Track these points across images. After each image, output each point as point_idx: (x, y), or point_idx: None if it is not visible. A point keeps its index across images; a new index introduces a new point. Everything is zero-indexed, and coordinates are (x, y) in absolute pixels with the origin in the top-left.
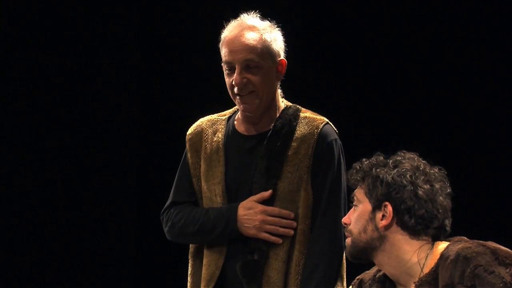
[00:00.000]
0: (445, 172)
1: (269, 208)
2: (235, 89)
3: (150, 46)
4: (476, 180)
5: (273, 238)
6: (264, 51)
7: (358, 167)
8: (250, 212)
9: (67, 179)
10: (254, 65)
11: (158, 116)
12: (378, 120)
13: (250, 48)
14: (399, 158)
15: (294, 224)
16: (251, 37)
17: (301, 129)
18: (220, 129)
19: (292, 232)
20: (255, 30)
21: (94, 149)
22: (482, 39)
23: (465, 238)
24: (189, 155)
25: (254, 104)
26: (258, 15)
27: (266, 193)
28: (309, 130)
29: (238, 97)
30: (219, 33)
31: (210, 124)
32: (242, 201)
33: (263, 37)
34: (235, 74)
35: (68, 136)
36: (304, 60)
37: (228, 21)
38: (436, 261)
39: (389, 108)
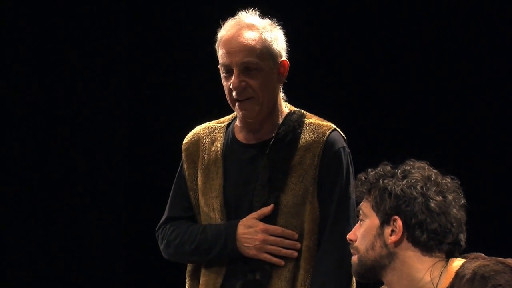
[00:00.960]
0: (458, 182)
1: (271, 227)
2: (234, 94)
3: (142, 48)
4: (493, 190)
5: (274, 260)
6: (264, 52)
7: (363, 178)
8: (251, 231)
9: (54, 186)
10: (253, 68)
11: (150, 123)
12: (389, 126)
13: (249, 49)
14: (408, 167)
15: (298, 245)
16: (249, 37)
17: (306, 137)
18: (219, 138)
19: (295, 254)
20: (254, 29)
21: (83, 158)
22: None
23: (482, 254)
24: (185, 166)
25: (254, 111)
26: (258, 13)
27: (267, 209)
28: (315, 137)
29: (236, 103)
30: (216, 33)
31: (208, 133)
32: (242, 216)
33: (262, 37)
34: (233, 78)
35: (57, 141)
36: (308, 60)
37: (225, 19)
38: (451, 280)
39: (399, 113)
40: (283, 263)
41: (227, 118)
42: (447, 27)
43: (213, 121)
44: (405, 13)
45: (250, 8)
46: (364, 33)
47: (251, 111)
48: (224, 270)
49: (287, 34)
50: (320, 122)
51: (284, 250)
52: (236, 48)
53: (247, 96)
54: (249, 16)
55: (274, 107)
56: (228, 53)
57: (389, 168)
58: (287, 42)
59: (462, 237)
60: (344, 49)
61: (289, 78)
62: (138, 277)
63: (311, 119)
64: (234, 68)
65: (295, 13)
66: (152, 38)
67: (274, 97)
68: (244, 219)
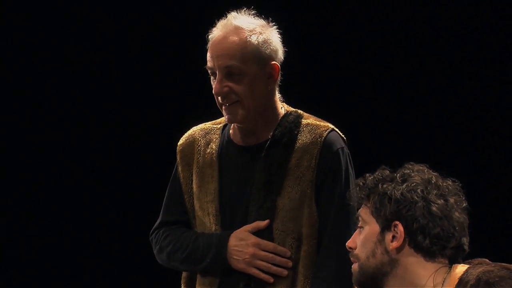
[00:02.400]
0: (459, 185)
1: (264, 242)
2: (219, 98)
3: (135, 46)
4: (496, 192)
5: (263, 276)
6: (249, 57)
7: (361, 183)
8: (242, 244)
9: (45, 189)
10: (236, 73)
11: (144, 123)
12: (390, 126)
13: (231, 54)
14: (407, 171)
15: (290, 263)
16: (233, 41)
17: (303, 138)
18: (214, 140)
19: (285, 272)
20: (240, 32)
21: (75, 158)
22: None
23: (487, 260)
24: (180, 168)
25: (239, 115)
26: (252, 13)
27: (262, 223)
28: (312, 138)
29: (223, 107)
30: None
31: (203, 134)
32: (237, 221)
33: (248, 40)
34: (215, 83)
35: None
36: (308, 60)
37: (221, 17)
38: (455, 286)
39: (400, 114)
40: (271, 280)
41: (223, 119)
42: (446, 28)
43: (209, 122)
44: (405, 14)
45: (245, 8)
46: (365, 33)
47: (236, 115)
48: (219, 279)
49: (287, 34)
50: (318, 122)
51: (275, 268)
52: (219, 52)
53: (232, 101)
54: (238, 18)
55: (268, 109)
56: (212, 56)
57: (387, 172)
58: (286, 42)
59: (465, 241)
60: (345, 49)
61: (287, 78)
62: (133, 281)
63: (309, 119)
64: (217, 72)
65: (297, 12)
66: (149, 36)
67: (263, 101)
68: (238, 231)
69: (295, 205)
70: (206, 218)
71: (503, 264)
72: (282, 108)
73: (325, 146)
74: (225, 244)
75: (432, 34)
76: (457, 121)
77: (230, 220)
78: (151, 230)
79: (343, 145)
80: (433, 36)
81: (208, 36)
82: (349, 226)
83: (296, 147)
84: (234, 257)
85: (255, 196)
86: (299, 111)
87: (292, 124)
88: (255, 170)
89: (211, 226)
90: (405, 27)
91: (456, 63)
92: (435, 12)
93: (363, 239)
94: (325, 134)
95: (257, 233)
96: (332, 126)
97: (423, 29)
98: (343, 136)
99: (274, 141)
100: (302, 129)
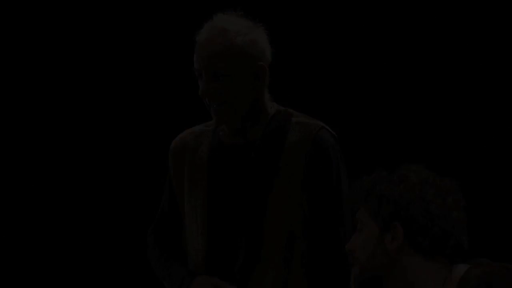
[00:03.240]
0: (457, 183)
1: None
2: (206, 100)
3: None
4: (495, 191)
5: None
6: (235, 57)
7: (358, 186)
8: None
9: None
10: (222, 74)
11: (142, 124)
12: (384, 125)
13: (217, 56)
14: (404, 171)
15: None
16: (219, 43)
17: (292, 137)
18: (205, 142)
19: None
20: (226, 33)
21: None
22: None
23: (487, 260)
24: (172, 172)
25: (226, 116)
26: (239, 14)
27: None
28: (302, 137)
29: (211, 108)
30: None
31: (194, 137)
32: (227, 223)
33: (234, 42)
34: (202, 84)
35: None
36: (300, 59)
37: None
38: (455, 286)
39: (394, 112)
40: None
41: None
42: (442, 26)
43: (201, 124)
44: (397, 11)
45: (234, 9)
46: (359, 32)
47: (223, 116)
48: None
49: (281, 32)
50: (308, 120)
51: None
52: (205, 53)
53: (219, 102)
54: (224, 19)
55: (257, 109)
56: (198, 58)
57: (384, 173)
58: (275, 42)
59: (465, 239)
60: (335, 48)
61: (280, 77)
62: (132, 281)
63: (299, 118)
64: (203, 74)
65: (288, 11)
66: (146, 37)
67: (250, 101)
68: (203, 277)
69: (286, 204)
70: (194, 223)
71: (504, 264)
72: (272, 107)
73: (315, 144)
74: (188, 284)
75: (426, 30)
76: (455, 121)
77: (220, 223)
78: (148, 232)
79: (333, 142)
80: (428, 33)
81: (195, 38)
82: (342, 223)
83: (286, 146)
84: None
85: (245, 197)
86: (289, 109)
87: (281, 123)
88: (245, 170)
89: (198, 232)
90: (399, 24)
91: (454, 60)
92: (425, 8)
93: (362, 241)
94: (314, 132)
95: (249, 233)
96: (322, 124)
97: (416, 25)
98: (334, 133)
99: (263, 141)
100: (292, 128)
